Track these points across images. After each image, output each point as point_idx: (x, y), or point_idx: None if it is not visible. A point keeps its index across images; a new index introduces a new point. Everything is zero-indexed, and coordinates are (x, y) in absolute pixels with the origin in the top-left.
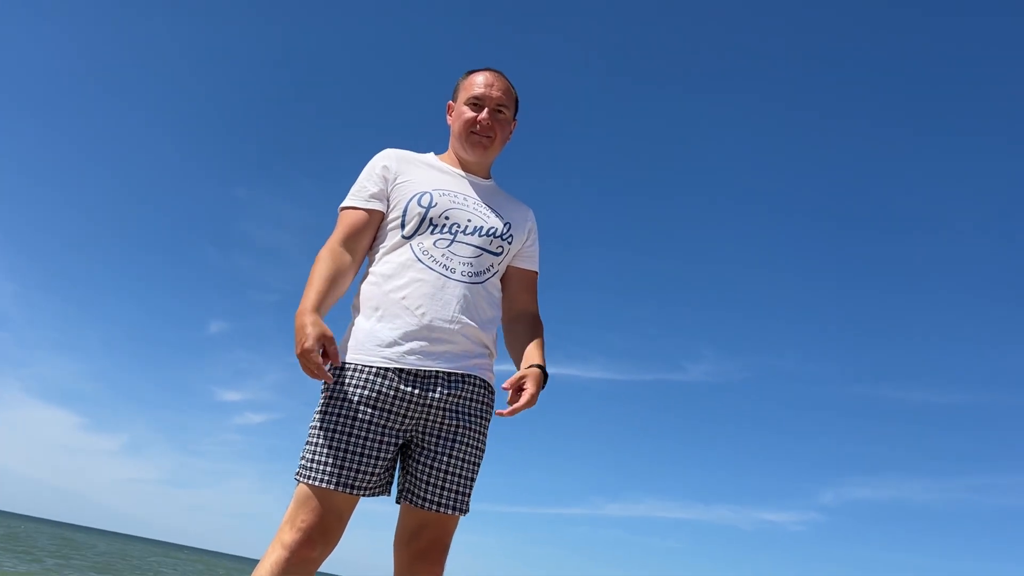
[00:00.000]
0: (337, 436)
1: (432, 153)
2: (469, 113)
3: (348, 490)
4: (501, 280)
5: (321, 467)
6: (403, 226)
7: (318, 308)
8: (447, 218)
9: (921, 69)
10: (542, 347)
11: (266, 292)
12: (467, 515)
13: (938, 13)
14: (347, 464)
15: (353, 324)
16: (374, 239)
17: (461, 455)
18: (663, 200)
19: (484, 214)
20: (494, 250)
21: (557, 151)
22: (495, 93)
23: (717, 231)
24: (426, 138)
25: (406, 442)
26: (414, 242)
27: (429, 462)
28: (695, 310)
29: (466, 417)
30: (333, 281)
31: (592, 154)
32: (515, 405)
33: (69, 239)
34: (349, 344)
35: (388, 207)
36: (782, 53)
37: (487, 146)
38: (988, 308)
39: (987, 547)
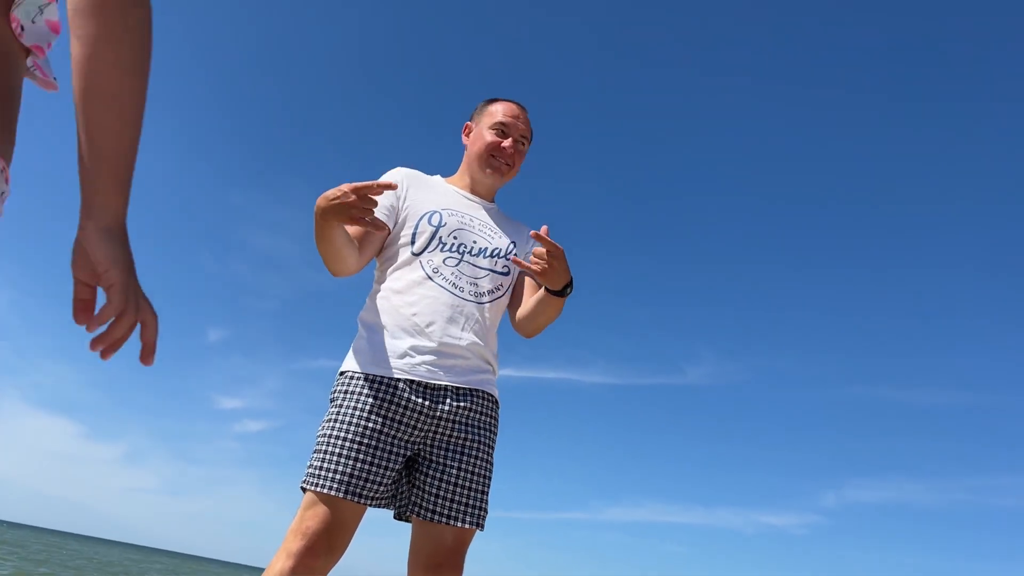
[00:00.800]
0: (347, 444)
1: (439, 176)
2: (493, 138)
3: (357, 499)
4: (513, 291)
5: (330, 475)
6: (413, 243)
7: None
8: (455, 238)
9: (927, 71)
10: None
11: (264, 299)
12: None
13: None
14: (356, 472)
15: (363, 337)
16: (380, 252)
17: (471, 468)
18: (661, 204)
19: (490, 235)
20: (500, 270)
21: (556, 157)
22: (521, 125)
23: (715, 234)
24: (425, 144)
25: (413, 456)
26: (424, 259)
27: (439, 475)
28: (694, 313)
29: (475, 430)
30: (349, 241)
31: (591, 160)
32: (543, 251)
33: (66, 247)
34: (359, 355)
35: (396, 224)
36: (781, 56)
37: (504, 172)
38: (989, 310)
39: (988, 548)
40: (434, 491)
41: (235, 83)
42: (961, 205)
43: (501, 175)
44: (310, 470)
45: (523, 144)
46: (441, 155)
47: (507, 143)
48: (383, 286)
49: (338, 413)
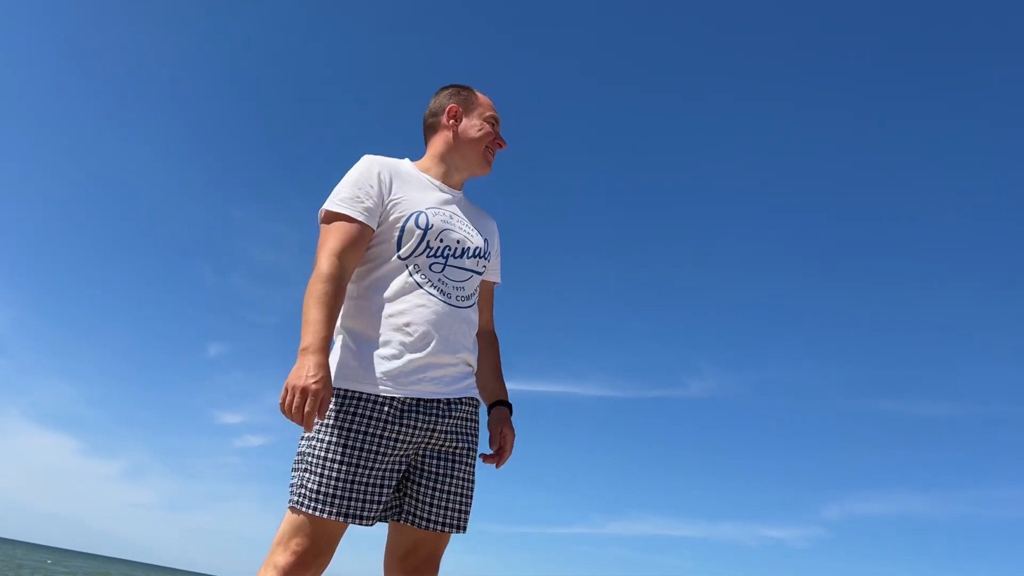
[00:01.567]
0: (347, 468)
1: (407, 160)
2: (490, 128)
3: (359, 521)
4: None
5: (329, 499)
6: (399, 246)
7: (327, 348)
8: (441, 240)
9: (934, 79)
10: (501, 372)
11: (265, 314)
12: (466, 534)
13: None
14: (357, 496)
15: (350, 348)
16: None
17: (461, 475)
18: (660, 214)
19: (469, 234)
20: (479, 270)
21: (553, 166)
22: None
23: (714, 244)
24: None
25: (406, 467)
26: (410, 264)
27: (430, 483)
28: (694, 325)
29: (464, 437)
30: (336, 311)
31: (588, 169)
32: (502, 461)
33: (66, 264)
34: (349, 370)
35: (379, 221)
36: (778, 61)
37: (491, 164)
38: (993, 321)
39: (991, 560)
40: (427, 499)
41: (236, 97)
42: (964, 216)
43: (488, 169)
44: (303, 491)
45: None
46: (411, 149)
47: (501, 139)
48: (368, 289)
49: (334, 433)
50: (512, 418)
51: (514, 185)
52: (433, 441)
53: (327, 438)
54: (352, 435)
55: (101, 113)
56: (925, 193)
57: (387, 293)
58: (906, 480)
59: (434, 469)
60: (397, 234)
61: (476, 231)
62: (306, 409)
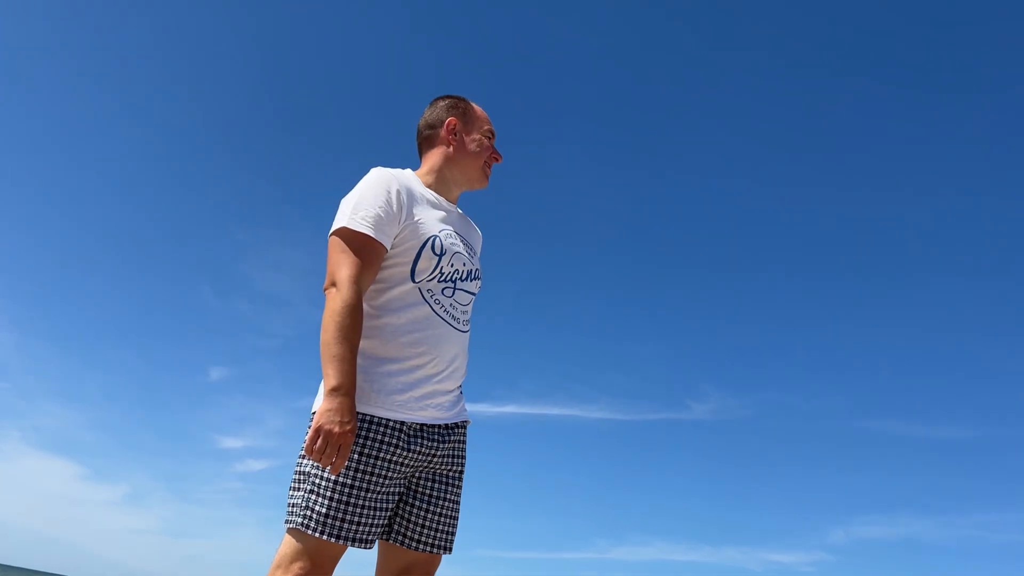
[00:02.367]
0: (356, 491)
1: (410, 170)
2: (488, 143)
3: (363, 545)
4: None
5: (338, 522)
6: (414, 270)
7: (355, 388)
8: (452, 265)
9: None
10: None
11: (267, 337)
12: (470, 559)
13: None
14: (365, 520)
15: (361, 368)
16: None
17: (453, 497)
18: (662, 239)
19: (470, 255)
20: (476, 292)
21: (556, 187)
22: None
23: (717, 266)
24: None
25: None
26: (423, 288)
27: (425, 505)
28: (697, 347)
29: (458, 460)
30: (358, 343)
31: (593, 189)
32: None
33: (68, 288)
34: (359, 391)
35: (394, 244)
36: (780, 83)
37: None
38: (1000, 343)
39: None
40: (421, 521)
41: (240, 119)
42: (969, 239)
43: (486, 183)
44: (312, 514)
45: None
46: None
47: (498, 154)
48: (380, 310)
49: (357, 469)
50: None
51: (515, 203)
52: (431, 464)
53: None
54: (364, 459)
55: (102, 137)
56: (929, 215)
57: (401, 318)
58: (912, 504)
59: (430, 491)
60: (413, 258)
61: (474, 251)
62: (337, 457)
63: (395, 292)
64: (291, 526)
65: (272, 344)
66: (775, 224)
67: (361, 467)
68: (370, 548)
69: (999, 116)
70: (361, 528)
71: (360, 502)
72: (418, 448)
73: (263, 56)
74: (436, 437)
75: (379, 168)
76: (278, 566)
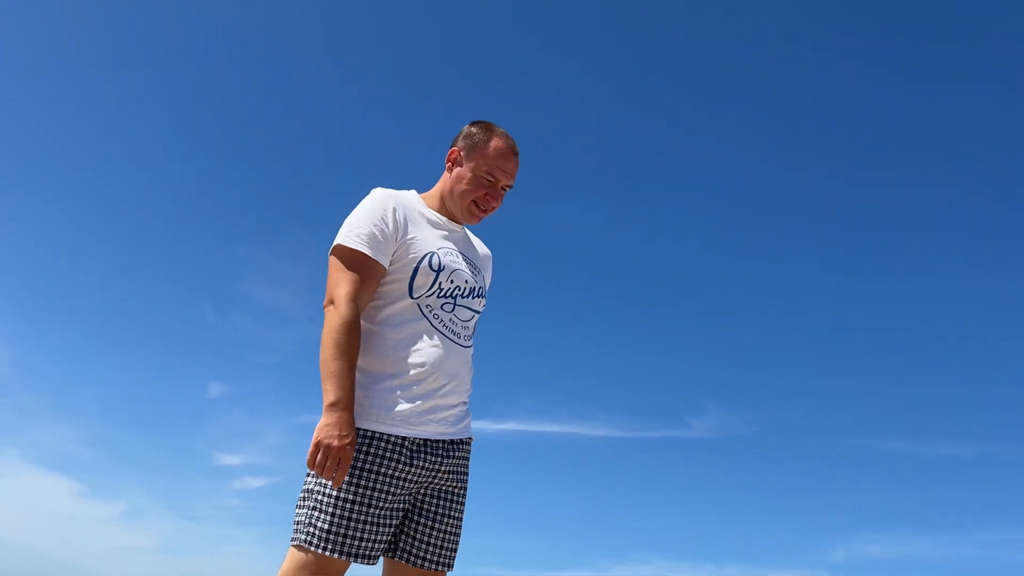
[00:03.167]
0: (358, 507)
1: (415, 191)
2: (480, 186)
3: (366, 561)
4: None
5: (340, 538)
6: (411, 286)
7: (353, 402)
8: (452, 281)
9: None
10: None
11: (266, 353)
12: None
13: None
14: (367, 536)
15: (364, 386)
16: None
17: (456, 514)
18: (660, 255)
19: (473, 273)
20: (480, 309)
21: (555, 200)
22: (506, 181)
23: (716, 284)
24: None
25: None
26: (422, 304)
27: (429, 522)
28: (697, 364)
29: (461, 476)
30: (355, 359)
31: (591, 205)
32: None
33: (67, 301)
34: (359, 408)
35: (393, 262)
36: (778, 90)
37: (480, 219)
38: (1002, 360)
39: None
40: (425, 538)
41: (240, 132)
42: (970, 254)
43: (476, 221)
44: (316, 530)
45: (508, 190)
46: (422, 181)
47: (492, 198)
48: (379, 326)
49: (349, 474)
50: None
51: (513, 219)
52: (436, 481)
53: (345, 480)
54: (365, 474)
55: (101, 149)
56: (933, 228)
57: (400, 333)
58: (914, 522)
59: (434, 508)
60: (410, 274)
61: (477, 270)
62: (337, 470)
63: (394, 308)
64: (295, 543)
65: (271, 360)
66: (773, 238)
67: (363, 483)
68: (373, 564)
69: (999, 116)
70: (363, 544)
71: (362, 517)
72: (421, 464)
73: (263, 68)
74: (440, 453)
75: (379, 188)
76: None
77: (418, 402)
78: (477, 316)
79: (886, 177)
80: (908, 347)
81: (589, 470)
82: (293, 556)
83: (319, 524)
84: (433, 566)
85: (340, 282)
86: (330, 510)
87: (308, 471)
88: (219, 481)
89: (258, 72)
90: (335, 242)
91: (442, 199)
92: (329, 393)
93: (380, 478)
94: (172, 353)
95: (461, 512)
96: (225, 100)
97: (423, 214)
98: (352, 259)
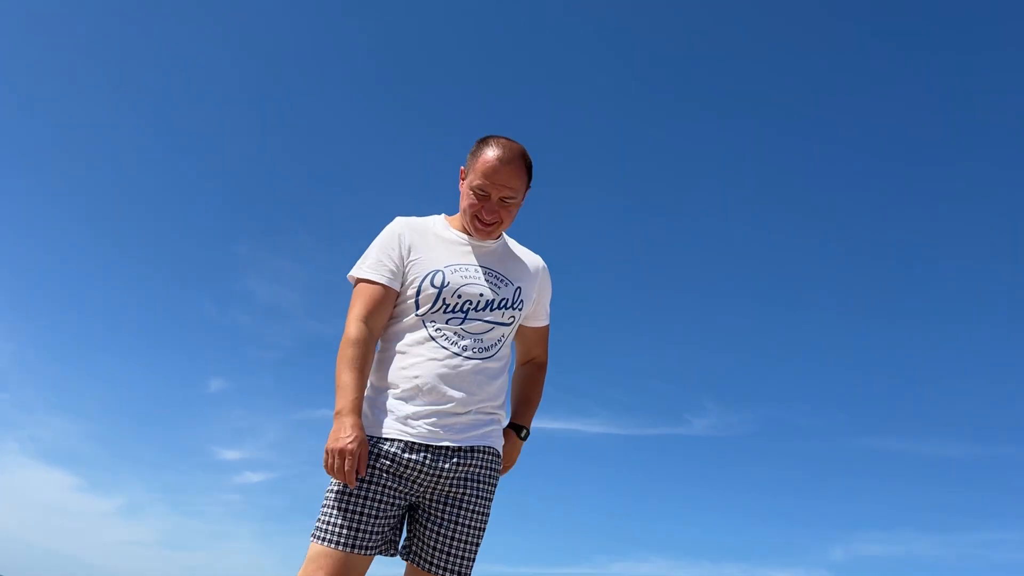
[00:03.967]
0: (353, 502)
1: (442, 216)
2: (474, 200)
3: (359, 551)
4: (516, 335)
5: (336, 529)
6: (417, 305)
7: (359, 409)
8: (459, 296)
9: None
10: (531, 401)
11: (267, 349)
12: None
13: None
14: (361, 527)
15: (368, 398)
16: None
17: (466, 522)
18: (661, 252)
19: (495, 286)
20: (505, 321)
21: (563, 203)
22: (503, 187)
23: (716, 281)
24: (431, 194)
25: (414, 504)
26: (428, 320)
27: (435, 527)
28: (697, 362)
29: (474, 484)
30: (364, 373)
31: (597, 200)
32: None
33: (68, 297)
34: (364, 419)
35: (402, 284)
36: (788, 90)
37: (491, 232)
38: (1004, 357)
39: None
40: (431, 543)
41: (241, 129)
42: (980, 248)
43: (488, 235)
44: (318, 523)
45: (510, 200)
46: (452, 204)
47: (488, 210)
48: (386, 343)
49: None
50: (525, 443)
51: (522, 218)
52: (441, 486)
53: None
54: (366, 471)
55: (102, 147)
56: (937, 230)
57: (403, 349)
58: (913, 521)
59: (441, 515)
60: (415, 293)
61: (506, 282)
62: (346, 468)
63: (401, 326)
64: (310, 536)
65: (272, 356)
66: (775, 238)
67: (363, 480)
68: (366, 556)
69: (999, 115)
70: (358, 535)
71: (357, 509)
72: (418, 465)
73: (265, 66)
74: (442, 457)
75: (396, 218)
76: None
77: (412, 409)
78: (499, 328)
79: (885, 177)
80: (908, 347)
81: (588, 467)
82: (309, 550)
83: (324, 519)
84: (440, 571)
85: (351, 306)
86: (333, 505)
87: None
88: (219, 476)
89: (261, 72)
90: (349, 272)
91: (462, 215)
92: (336, 404)
93: (376, 474)
94: (173, 349)
95: (475, 521)
96: (227, 99)
97: (441, 235)
98: (360, 285)
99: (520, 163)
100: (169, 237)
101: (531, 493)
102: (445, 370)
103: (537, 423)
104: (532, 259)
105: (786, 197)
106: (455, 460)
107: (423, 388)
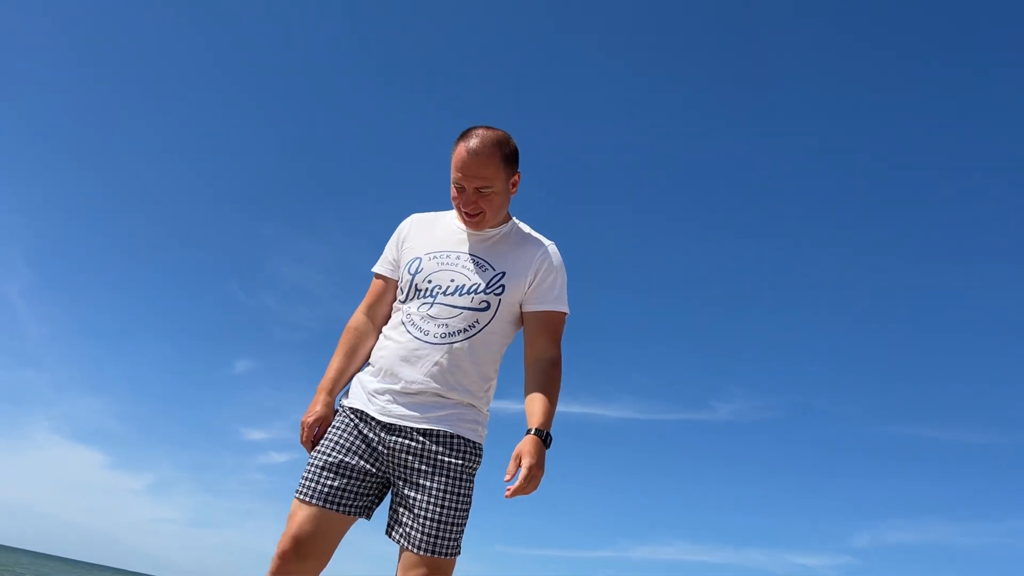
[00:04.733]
0: (318, 458)
1: (451, 211)
2: (454, 193)
3: (325, 504)
4: (523, 325)
5: (303, 483)
6: (402, 292)
7: (333, 388)
8: (429, 282)
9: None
10: (547, 401)
11: (292, 331)
12: (490, 557)
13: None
14: (314, 478)
15: (358, 376)
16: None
17: (434, 503)
18: (687, 238)
19: (470, 271)
20: (476, 306)
21: (582, 191)
22: (474, 183)
23: (743, 265)
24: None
25: (385, 481)
26: (405, 307)
27: (403, 507)
28: (723, 348)
29: (434, 468)
30: (351, 356)
31: (618, 191)
32: (513, 488)
33: (100, 282)
34: (347, 393)
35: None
36: (801, 88)
37: (478, 224)
38: None
39: None
40: (405, 520)
41: (267, 114)
42: (1005, 237)
43: (477, 225)
44: (300, 481)
45: (485, 190)
46: None
47: (465, 202)
48: (384, 330)
49: (323, 438)
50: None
51: (542, 209)
52: (400, 462)
53: (321, 441)
54: (332, 434)
55: (131, 133)
56: (960, 210)
57: (384, 331)
58: (939, 509)
59: (405, 492)
60: (399, 282)
61: (486, 267)
62: (304, 437)
63: (392, 311)
64: None
65: (297, 337)
66: (800, 231)
67: (323, 440)
68: (333, 511)
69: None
70: (313, 485)
71: (315, 462)
72: (380, 436)
73: (293, 56)
74: (401, 435)
75: (412, 214)
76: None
77: (372, 386)
78: (469, 312)
79: (909, 173)
80: (936, 335)
81: (612, 451)
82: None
83: (301, 476)
84: (415, 550)
85: (364, 299)
86: (305, 466)
87: None
88: (245, 456)
89: (286, 59)
90: None
91: None
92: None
93: (332, 430)
94: (200, 330)
95: (441, 502)
96: (254, 87)
97: (443, 227)
98: (372, 279)
99: (492, 151)
100: (197, 221)
101: (555, 477)
102: (404, 352)
103: (560, 407)
104: (533, 244)
105: (807, 192)
106: (409, 439)
107: (383, 369)
